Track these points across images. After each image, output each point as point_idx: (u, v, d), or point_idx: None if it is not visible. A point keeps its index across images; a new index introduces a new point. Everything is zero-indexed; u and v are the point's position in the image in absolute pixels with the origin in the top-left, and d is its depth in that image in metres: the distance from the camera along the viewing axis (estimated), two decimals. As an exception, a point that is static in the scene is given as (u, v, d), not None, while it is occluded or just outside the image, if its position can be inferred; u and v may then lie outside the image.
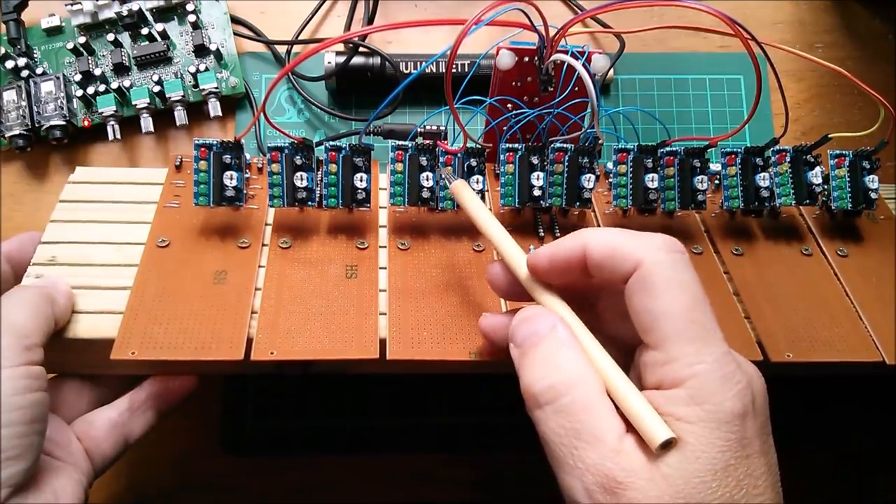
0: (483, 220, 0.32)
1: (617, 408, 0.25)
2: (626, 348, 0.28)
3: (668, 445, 0.24)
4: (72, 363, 0.35)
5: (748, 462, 0.24)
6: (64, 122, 0.47)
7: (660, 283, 0.25)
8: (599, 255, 0.27)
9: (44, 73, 0.49)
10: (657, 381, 0.25)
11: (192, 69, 0.49)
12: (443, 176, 0.37)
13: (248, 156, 0.38)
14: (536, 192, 0.38)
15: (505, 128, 0.39)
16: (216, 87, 0.48)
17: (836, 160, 0.40)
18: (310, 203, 0.37)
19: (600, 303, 0.30)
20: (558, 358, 0.26)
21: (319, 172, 0.37)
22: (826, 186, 0.40)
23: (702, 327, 0.25)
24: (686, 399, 0.24)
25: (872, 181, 0.40)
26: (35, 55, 0.50)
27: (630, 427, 0.25)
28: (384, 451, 0.45)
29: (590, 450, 0.24)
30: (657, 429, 0.24)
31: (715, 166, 0.41)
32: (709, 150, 0.39)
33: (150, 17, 0.50)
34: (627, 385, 0.26)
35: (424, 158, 0.37)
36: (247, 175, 0.38)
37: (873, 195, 0.40)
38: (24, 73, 0.48)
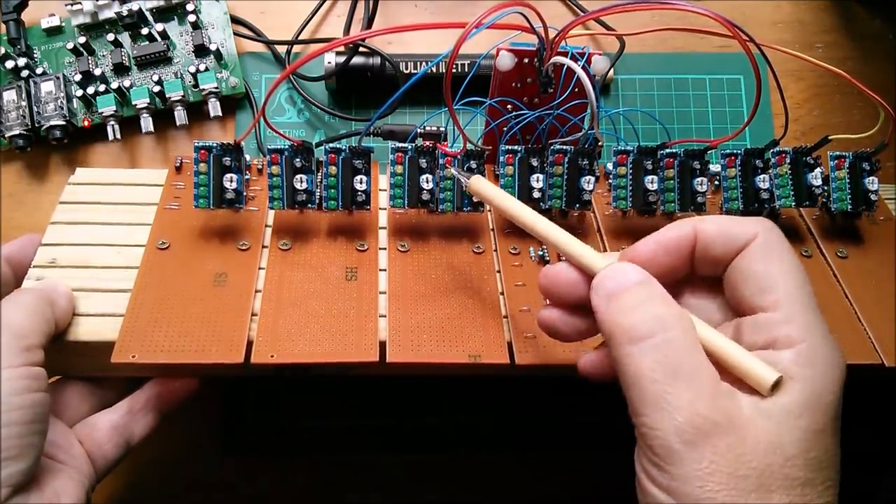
0: (529, 218, 0.30)
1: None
2: None
3: (775, 387, 0.24)
4: (73, 366, 0.35)
5: (835, 440, 0.25)
6: (64, 122, 0.47)
7: (778, 250, 0.26)
8: (713, 231, 0.27)
9: (44, 73, 0.49)
10: (769, 340, 0.25)
11: (192, 69, 0.49)
12: (454, 175, 0.36)
13: (248, 157, 0.38)
14: (536, 194, 0.38)
15: (505, 129, 0.39)
16: (216, 87, 0.48)
17: (835, 162, 0.40)
18: (310, 205, 0.37)
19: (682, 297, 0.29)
20: (656, 299, 0.26)
21: (319, 174, 0.37)
22: (826, 188, 0.40)
23: (812, 299, 0.26)
24: (796, 358, 0.25)
25: (872, 183, 0.40)
26: (35, 55, 0.50)
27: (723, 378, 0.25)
28: (384, 451, 0.45)
29: (686, 389, 0.23)
30: (766, 370, 0.24)
31: (715, 167, 0.41)
32: (708, 152, 0.39)
33: (150, 17, 0.50)
34: (724, 338, 0.26)
35: (424, 160, 0.37)
36: (247, 177, 0.38)
37: (873, 197, 0.40)
38: (24, 73, 0.48)
